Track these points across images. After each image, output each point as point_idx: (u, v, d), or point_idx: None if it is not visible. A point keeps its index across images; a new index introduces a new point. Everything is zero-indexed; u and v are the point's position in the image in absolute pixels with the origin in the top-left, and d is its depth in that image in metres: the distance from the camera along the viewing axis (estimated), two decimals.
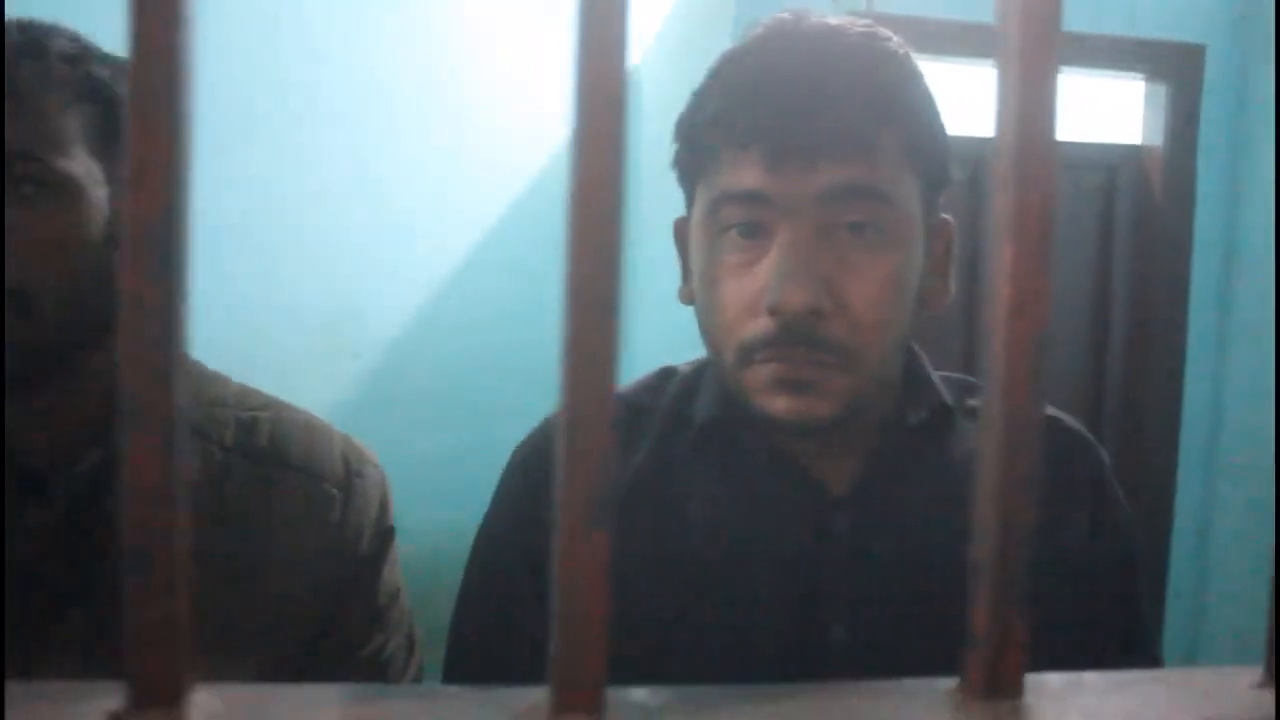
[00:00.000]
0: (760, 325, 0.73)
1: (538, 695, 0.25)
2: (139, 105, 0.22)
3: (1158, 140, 2.63)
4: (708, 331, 0.79)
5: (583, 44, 0.23)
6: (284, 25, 3.00)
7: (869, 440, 0.82)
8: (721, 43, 2.27)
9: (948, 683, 0.27)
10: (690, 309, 0.82)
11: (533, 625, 0.81)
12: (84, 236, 0.77)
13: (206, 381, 0.88)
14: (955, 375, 0.89)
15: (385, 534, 0.90)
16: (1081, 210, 2.68)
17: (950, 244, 0.82)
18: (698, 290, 0.79)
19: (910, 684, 0.27)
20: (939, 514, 0.79)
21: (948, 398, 0.83)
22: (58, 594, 0.79)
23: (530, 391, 3.21)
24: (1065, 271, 2.65)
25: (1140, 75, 2.63)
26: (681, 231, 0.84)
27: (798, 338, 0.72)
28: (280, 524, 0.83)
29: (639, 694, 0.25)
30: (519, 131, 3.21)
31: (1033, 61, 0.25)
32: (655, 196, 3.03)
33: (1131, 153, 2.69)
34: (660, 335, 2.77)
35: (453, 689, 0.26)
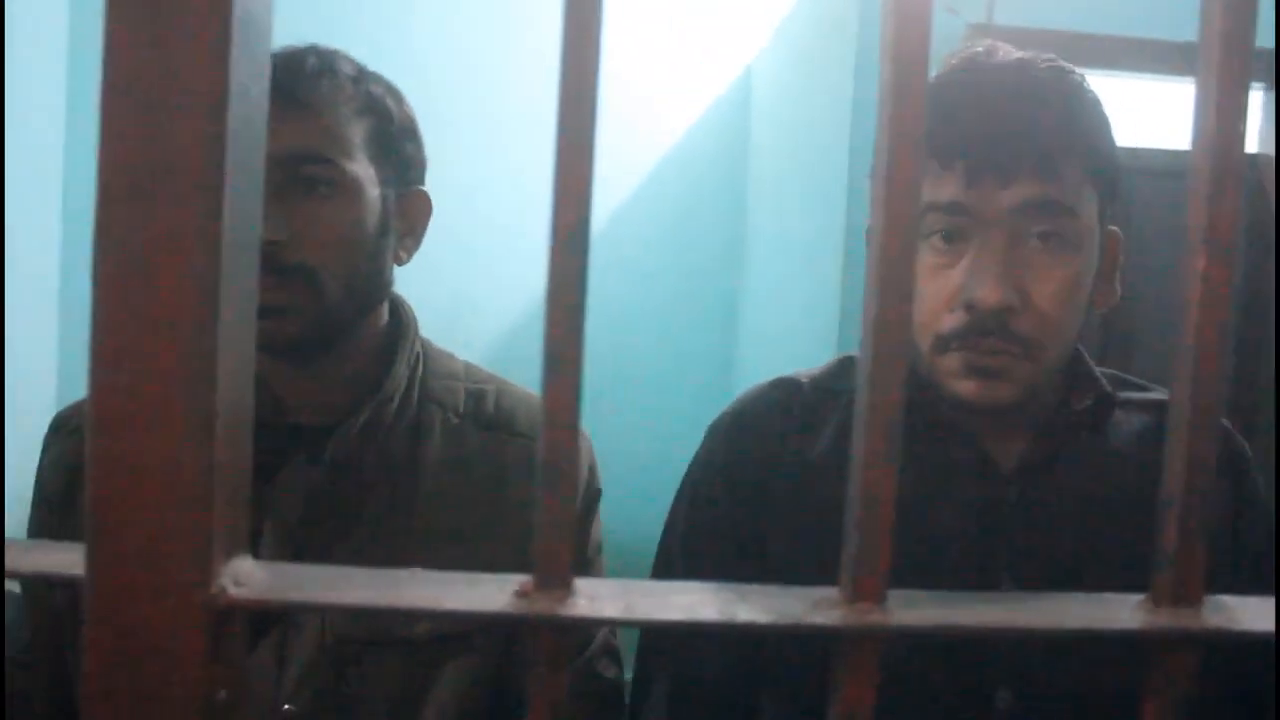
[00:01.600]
0: (956, 319, 0.85)
1: (826, 591, 0.33)
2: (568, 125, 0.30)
3: (1274, 148, 2.64)
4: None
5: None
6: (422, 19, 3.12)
7: (1037, 423, 0.93)
8: (843, 46, 2.32)
9: (1137, 597, 0.34)
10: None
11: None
12: (363, 228, 0.90)
13: (439, 358, 1.00)
14: (1109, 370, 0.99)
15: (594, 494, 1.03)
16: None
17: (1118, 252, 0.93)
18: None
19: (1106, 596, 0.34)
20: (1098, 490, 0.92)
21: (1108, 388, 0.93)
22: (325, 547, 0.91)
23: (636, 388, 3.29)
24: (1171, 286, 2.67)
25: (1260, 85, 2.63)
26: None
27: (989, 330, 0.83)
28: (510, 481, 0.94)
29: (907, 593, 0.32)
30: (629, 127, 3.29)
31: (1226, 82, 0.32)
32: (760, 196, 3.10)
33: (1249, 161, 2.70)
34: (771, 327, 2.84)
35: (749, 587, 0.34)
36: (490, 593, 0.31)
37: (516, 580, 0.31)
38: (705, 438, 1.01)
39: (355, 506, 0.94)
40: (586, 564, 1.01)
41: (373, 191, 0.91)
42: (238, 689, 0.32)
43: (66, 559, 0.32)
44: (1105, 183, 0.88)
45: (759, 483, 0.96)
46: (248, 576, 0.31)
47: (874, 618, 0.31)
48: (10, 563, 0.32)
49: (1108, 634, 0.32)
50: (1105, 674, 0.88)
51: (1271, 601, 0.35)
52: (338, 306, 0.89)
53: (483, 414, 1.00)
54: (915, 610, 0.31)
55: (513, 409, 1.02)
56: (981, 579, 0.91)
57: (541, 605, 0.30)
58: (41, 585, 0.98)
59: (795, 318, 2.65)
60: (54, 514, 0.98)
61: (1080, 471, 0.93)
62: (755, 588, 0.33)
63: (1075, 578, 0.91)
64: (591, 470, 1.03)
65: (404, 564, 0.95)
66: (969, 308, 0.84)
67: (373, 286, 0.94)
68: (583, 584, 0.31)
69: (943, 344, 0.86)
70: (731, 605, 0.31)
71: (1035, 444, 0.93)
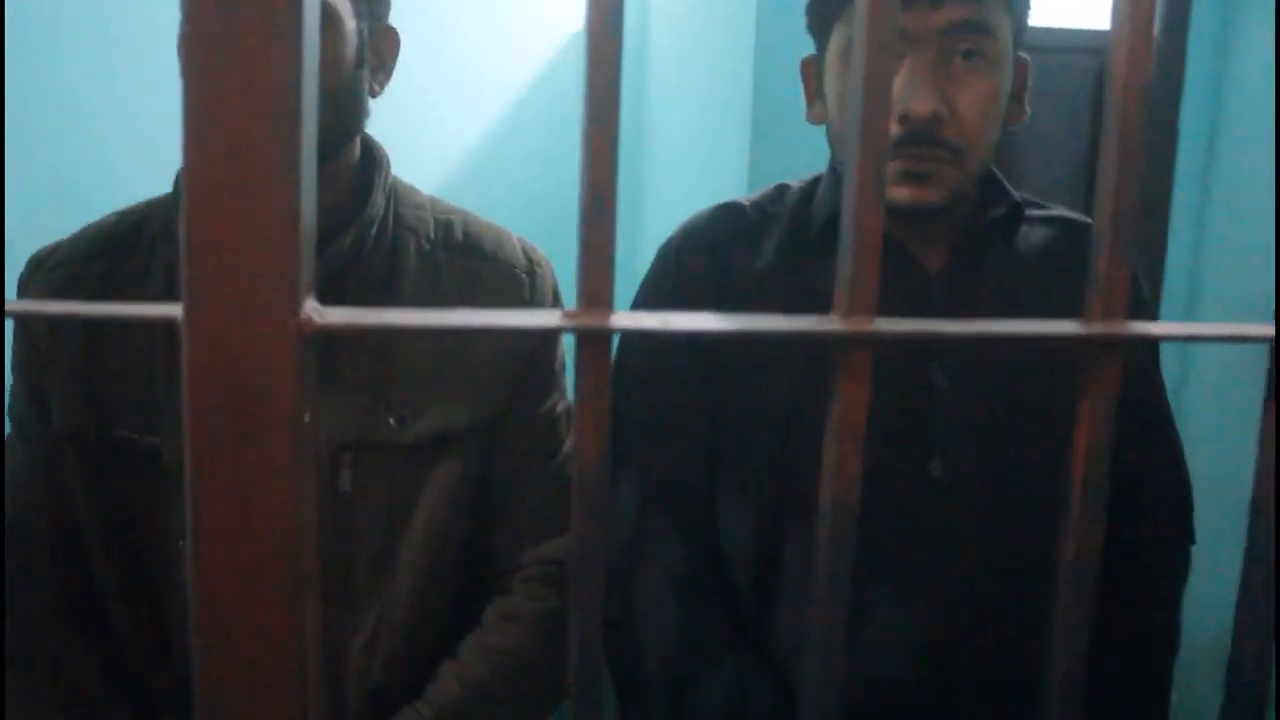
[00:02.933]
0: (891, 131, 0.92)
1: (823, 317, 0.38)
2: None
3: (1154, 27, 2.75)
4: (840, 142, 1.01)
5: None
6: None
7: (958, 234, 1.04)
8: None
9: (1072, 320, 0.41)
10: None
11: (693, 399, 1.01)
12: (341, 60, 0.94)
13: (407, 191, 1.05)
14: (1020, 193, 1.10)
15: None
16: (1075, 92, 2.80)
17: (1026, 77, 1.04)
18: (831, 110, 1.01)
19: (1047, 320, 0.41)
20: (1012, 291, 1.04)
21: (1019, 198, 1.03)
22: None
23: None
24: (1059, 154, 2.79)
25: None
26: (808, 67, 1.06)
27: (920, 138, 0.93)
28: (482, 300, 0.99)
29: (891, 319, 0.38)
30: (533, 20, 3.27)
31: None
32: (663, 102, 3.12)
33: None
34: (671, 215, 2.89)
35: (758, 316, 0.40)
36: (542, 317, 0.36)
37: (562, 310, 0.36)
38: (655, 259, 1.10)
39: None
40: (555, 377, 1.09)
41: (350, 23, 0.94)
42: (316, 414, 0.37)
43: (164, 308, 0.36)
44: (1017, 14, 1.00)
45: (709, 293, 1.04)
46: (325, 313, 0.36)
47: (868, 327, 0.37)
48: (110, 312, 0.37)
49: (1053, 338, 0.39)
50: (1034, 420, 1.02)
51: (1179, 324, 0.42)
52: (320, 133, 0.93)
53: (452, 240, 1.07)
54: (900, 324, 0.37)
55: (480, 235, 1.09)
56: (913, 372, 1.02)
57: (588, 320, 0.35)
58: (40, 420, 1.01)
59: (700, 194, 2.70)
60: (39, 352, 1.01)
61: (997, 276, 1.05)
62: (764, 316, 0.39)
63: (998, 369, 1.02)
64: (556, 291, 1.11)
65: (386, 385, 1.01)
66: (903, 119, 0.93)
67: (352, 116, 0.97)
68: (621, 313, 0.36)
69: None
70: (750, 321, 0.37)
71: (958, 249, 1.05)
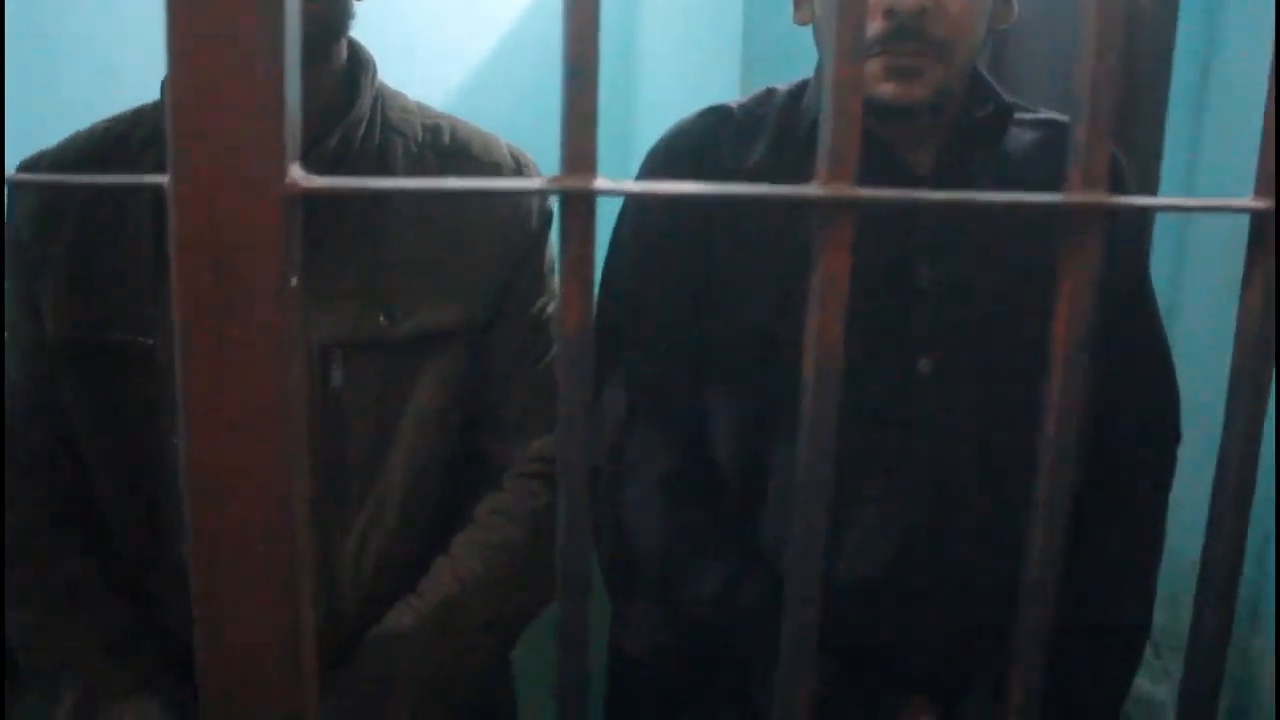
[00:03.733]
0: (877, 26, 0.93)
1: (800, 186, 0.39)
2: None
3: None
4: (826, 41, 0.99)
5: None
6: None
7: (945, 134, 1.03)
8: None
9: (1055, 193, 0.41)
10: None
11: (681, 305, 1.01)
12: None
13: (394, 95, 1.06)
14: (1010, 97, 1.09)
15: (547, 215, 1.11)
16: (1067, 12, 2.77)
17: None
18: (818, 8, 1.01)
19: (1028, 193, 0.41)
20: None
21: (1007, 98, 1.02)
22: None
23: None
24: (1053, 73, 2.76)
25: None
26: None
27: (906, 33, 0.92)
28: (470, 204, 1.01)
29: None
30: None
31: None
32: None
33: None
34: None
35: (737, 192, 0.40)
36: (527, 182, 0.36)
37: (548, 175, 0.37)
38: (644, 161, 1.10)
39: (327, 234, 1.00)
40: (544, 279, 1.10)
41: None
42: (301, 278, 0.37)
43: (152, 177, 0.36)
44: None
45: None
46: (310, 178, 0.36)
47: (848, 192, 0.37)
48: (101, 181, 0.37)
49: (1032, 206, 0.39)
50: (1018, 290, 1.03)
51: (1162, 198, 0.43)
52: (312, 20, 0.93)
53: (440, 144, 1.07)
54: (880, 192, 0.38)
55: (467, 138, 1.09)
56: (899, 270, 1.02)
57: (571, 181, 0.35)
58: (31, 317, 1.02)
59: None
60: (30, 257, 1.03)
61: (985, 177, 1.04)
62: (746, 185, 0.39)
63: (984, 265, 1.03)
64: (544, 194, 1.10)
65: (376, 284, 1.01)
66: (888, 14, 0.92)
67: (339, 10, 0.97)
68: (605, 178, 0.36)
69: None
70: (732, 188, 0.37)
71: (945, 149, 1.04)
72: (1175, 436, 1.15)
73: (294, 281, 0.37)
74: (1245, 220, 0.42)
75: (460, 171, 1.06)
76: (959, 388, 1.02)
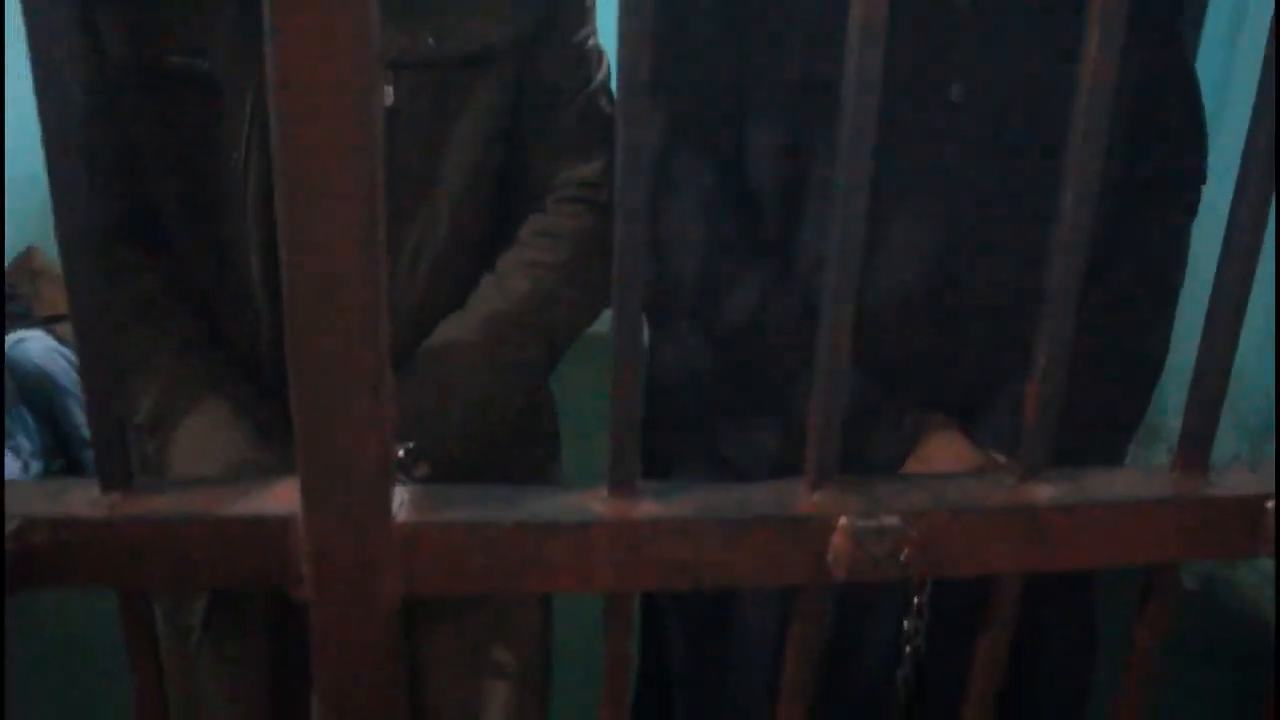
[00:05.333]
0: None
1: None
2: None
3: None
4: None
5: None
6: None
7: None
8: None
9: None
10: None
11: (722, 24, 1.06)
12: None
13: None
14: None
15: None
16: None
17: None
18: None
19: None
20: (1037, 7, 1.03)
21: None
22: None
23: None
24: None
25: None
26: None
27: None
28: None
29: None
30: None
31: None
32: None
33: None
34: None
35: None
36: None
37: None
38: None
39: None
40: (587, 10, 1.14)
41: None
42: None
43: None
44: None
45: None
46: None
47: None
48: None
49: None
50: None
51: None
52: None
53: None
54: None
55: None
56: (932, 90, 1.03)
57: None
58: None
59: None
60: None
61: None
62: None
63: (1020, 88, 1.02)
64: None
65: (423, 12, 1.02)
66: None
67: None
68: None
69: None
70: None
71: None
72: (1200, 176, 1.16)
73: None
74: None
75: None
76: (990, 116, 1.03)
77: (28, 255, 3.86)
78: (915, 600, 1.04)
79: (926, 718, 1.10)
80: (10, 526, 0.51)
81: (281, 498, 0.53)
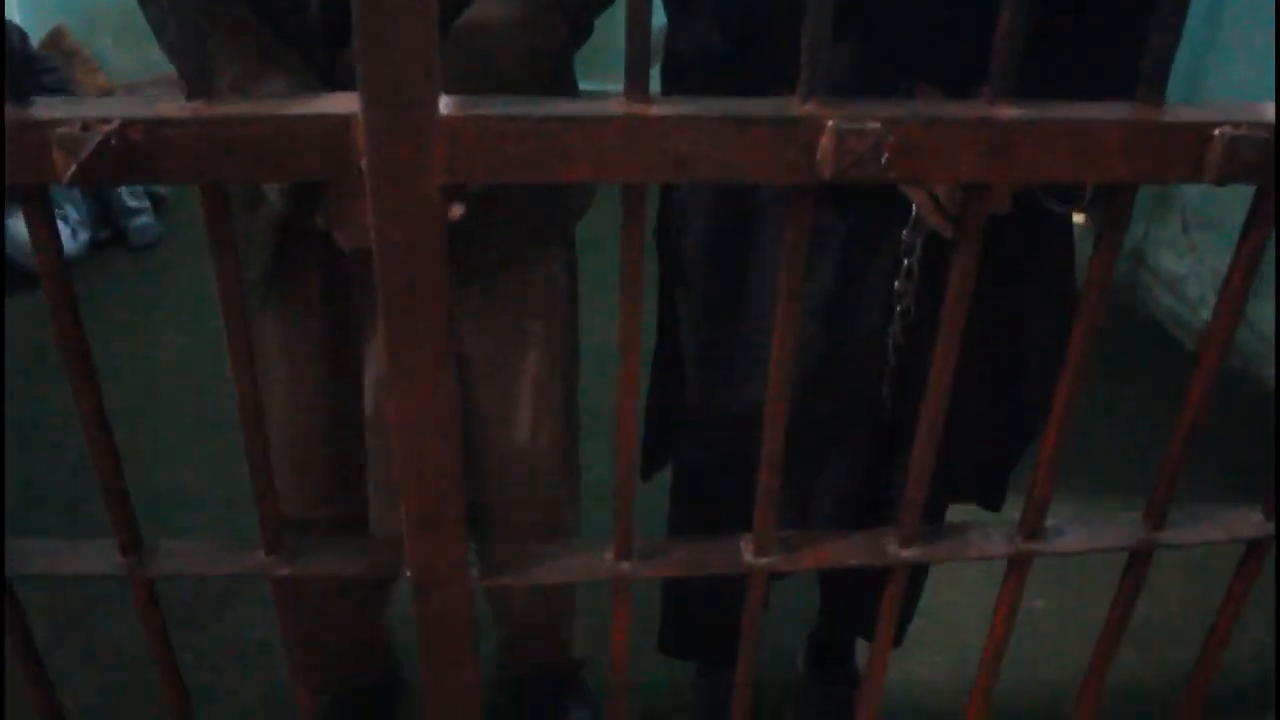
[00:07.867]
0: None
1: None
2: None
3: None
4: None
5: None
6: None
7: None
8: None
9: None
10: None
11: None
12: None
13: None
14: None
15: None
16: None
17: None
18: None
19: None
20: None
21: None
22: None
23: None
24: None
25: None
26: None
27: None
28: None
29: None
30: None
31: None
32: None
33: None
34: None
35: None
36: None
37: None
38: None
39: None
40: None
41: None
42: None
43: None
44: None
45: None
46: None
47: None
48: None
49: None
50: None
51: None
52: None
53: None
54: None
55: None
56: None
57: None
58: None
59: None
60: None
61: None
62: None
63: None
64: None
65: None
66: None
67: None
68: None
69: None
70: None
71: None
72: None
73: None
74: None
75: None
76: None
77: (56, 33, 3.88)
78: (905, 262, 1.12)
79: (914, 380, 1.20)
80: (111, 126, 0.60)
81: (342, 104, 0.61)
